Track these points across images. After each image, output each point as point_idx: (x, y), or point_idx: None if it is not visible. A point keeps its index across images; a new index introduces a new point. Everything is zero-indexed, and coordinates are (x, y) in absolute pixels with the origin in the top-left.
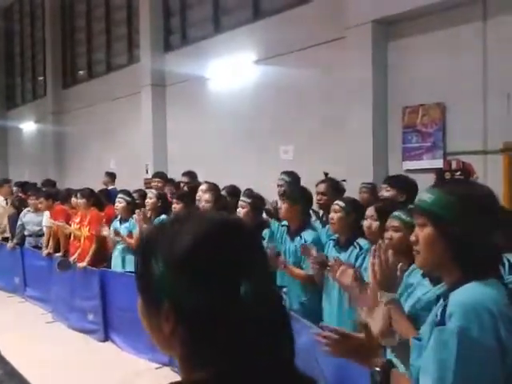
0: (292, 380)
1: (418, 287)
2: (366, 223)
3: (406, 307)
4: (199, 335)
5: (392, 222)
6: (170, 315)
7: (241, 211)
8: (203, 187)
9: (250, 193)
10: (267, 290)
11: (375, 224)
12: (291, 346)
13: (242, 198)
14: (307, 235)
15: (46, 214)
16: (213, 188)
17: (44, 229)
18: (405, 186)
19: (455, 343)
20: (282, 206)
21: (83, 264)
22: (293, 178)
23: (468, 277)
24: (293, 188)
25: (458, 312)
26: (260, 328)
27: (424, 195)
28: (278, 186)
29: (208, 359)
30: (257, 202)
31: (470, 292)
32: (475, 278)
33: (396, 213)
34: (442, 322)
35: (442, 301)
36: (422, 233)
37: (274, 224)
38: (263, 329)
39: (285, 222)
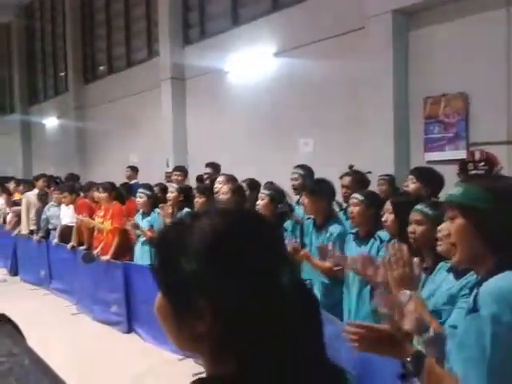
0: (324, 369)
1: (443, 283)
2: (384, 217)
3: (430, 305)
4: (237, 330)
5: (414, 216)
6: (205, 313)
7: (260, 203)
8: (220, 179)
9: (269, 185)
10: (300, 279)
11: (391, 217)
12: (322, 332)
13: (261, 190)
14: (333, 228)
15: (64, 208)
16: (230, 179)
17: (63, 222)
18: (431, 179)
19: (489, 330)
20: (305, 201)
21: (107, 257)
22: (307, 172)
23: (502, 266)
24: (312, 181)
25: (490, 299)
26: (297, 317)
27: (453, 189)
28: (292, 179)
29: (242, 353)
30: (276, 194)
31: (502, 280)
32: (509, 267)
33: (419, 206)
34: (474, 310)
35: (475, 290)
36: (454, 225)
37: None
38: (300, 317)
39: (310, 216)
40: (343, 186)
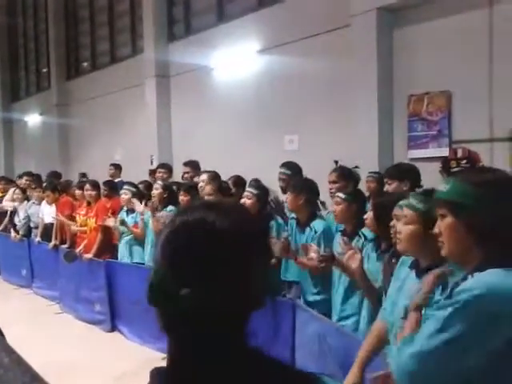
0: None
1: (407, 280)
2: (366, 215)
3: (401, 304)
4: None
5: (395, 211)
6: None
7: (246, 202)
8: (204, 177)
9: (256, 184)
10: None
11: (370, 215)
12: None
13: (248, 188)
14: (317, 225)
15: (45, 206)
16: (213, 178)
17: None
18: (404, 173)
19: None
20: (288, 198)
21: (89, 255)
22: (293, 170)
23: (489, 263)
24: (296, 179)
25: (479, 288)
26: None
27: (441, 186)
28: (280, 180)
29: None
30: (263, 193)
31: (494, 275)
32: (496, 264)
33: (401, 202)
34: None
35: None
36: (443, 223)
37: (278, 220)
38: None
39: (293, 215)
40: (330, 182)
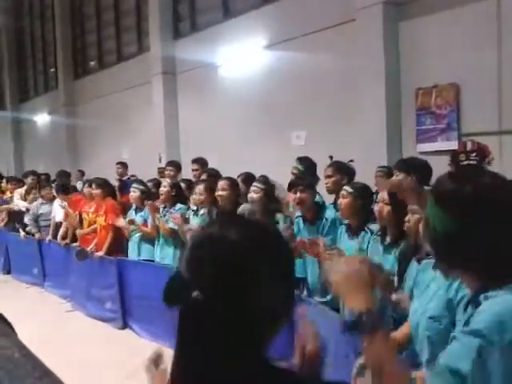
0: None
1: (432, 284)
2: (377, 207)
3: (430, 309)
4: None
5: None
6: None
7: (253, 196)
8: (223, 184)
9: (264, 179)
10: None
11: (387, 208)
12: None
13: (255, 183)
14: (329, 213)
15: (56, 205)
16: (232, 185)
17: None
18: (413, 167)
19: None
20: (302, 196)
21: (100, 253)
22: (307, 166)
23: (487, 286)
24: (308, 176)
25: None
26: None
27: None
28: (292, 174)
29: None
30: (270, 188)
31: (498, 305)
32: (498, 283)
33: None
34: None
35: (469, 308)
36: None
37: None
38: None
39: (299, 213)
40: (326, 177)
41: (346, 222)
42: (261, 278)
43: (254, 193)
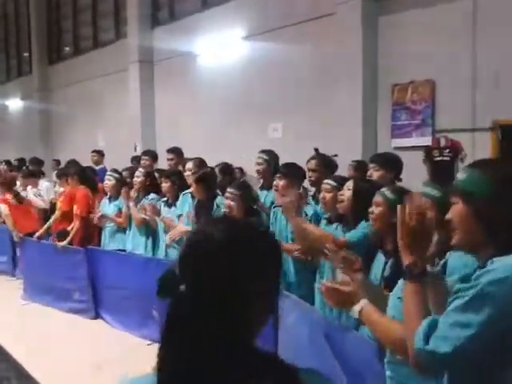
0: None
1: (376, 262)
2: (342, 192)
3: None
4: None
5: (376, 198)
6: None
7: (230, 204)
8: (190, 166)
9: (238, 183)
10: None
11: (348, 193)
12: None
13: (230, 189)
14: (308, 210)
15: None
16: (199, 165)
17: None
18: (392, 163)
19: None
20: (280, 183)
21: (63, 243)
22: (271, 157)
23: (501, 254)
24: (287, 164)
25: (501, 267)
26: None
27: (459, 174)
28: (257, 164)
29: None
30: (246, 192)
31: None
32: (508, 254)
33: (383, 189)
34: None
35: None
36: (454, 210)
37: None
38: None
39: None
40: (309, 170)
41: (327, 215)
42: (246, 272)
43: (230, 200)
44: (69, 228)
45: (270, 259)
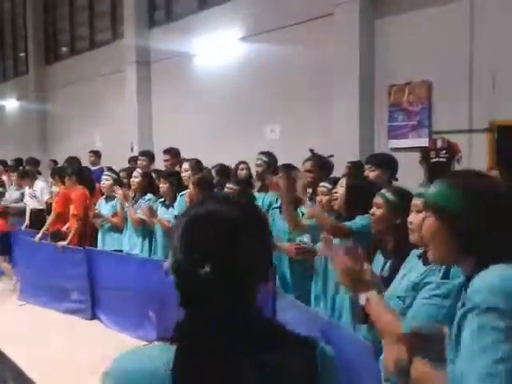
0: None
1: (413, 270)
2: (336, 190)
3: (399, 290)
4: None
5: (376, 199)
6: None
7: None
8: (186, 166)
9: (236, 179)
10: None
11: (341, 190)
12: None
13: (228, 185)
14: (303, 209)
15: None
16: (195, 167)
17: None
18: (387, 164)
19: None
20: (280, 183)
21: (63, 243)
22: (270, 159)
23: (483, 265)
24: (286, 166)
25: (484, 291)
26: None
27: (431, 187)
28: (256, 165)
29: None
30: (244, 187)
31: (490, 275)
32: (494, 262)
33: (383, 190)
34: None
35: (463, 292)
36: (425, 225)
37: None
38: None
39: (274, 201)
40: (305, 171)
41: None
42: (260, 247)
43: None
44: (63, 228)
45: (267, 231)
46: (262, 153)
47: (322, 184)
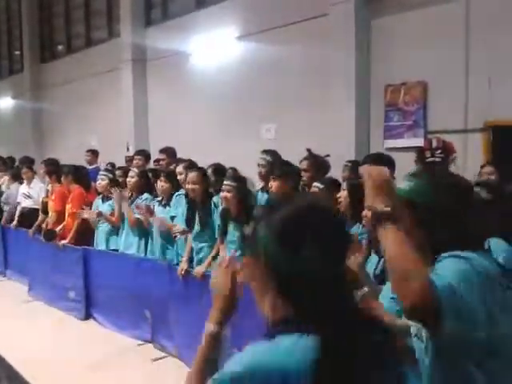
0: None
1: (369, 263)
2: (340, 194)
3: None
4: (279, 281)
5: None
6: (261, 263)
7: (226, 195)
8: (181, 169)
9: (233, 174)
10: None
11: (344, 194)
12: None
13: (226, 182)
14: None
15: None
16: (188, 167)
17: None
18: (385, 164)
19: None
20: (274, 184)
21: (64, 242)
22: (274, 158)
23: (436, 252)
24: (283, 165)
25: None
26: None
27: (403, 182)
28: (259, 165)
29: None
30: (242, 184)
31: (443, 270)
32: (448, 250)
33: None
34: None
35: None
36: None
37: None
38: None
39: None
40: (302, 170)
41: None
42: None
43: (227, 191)
44: (57, 228)
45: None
46: (266, 152)
47: (314, 184)
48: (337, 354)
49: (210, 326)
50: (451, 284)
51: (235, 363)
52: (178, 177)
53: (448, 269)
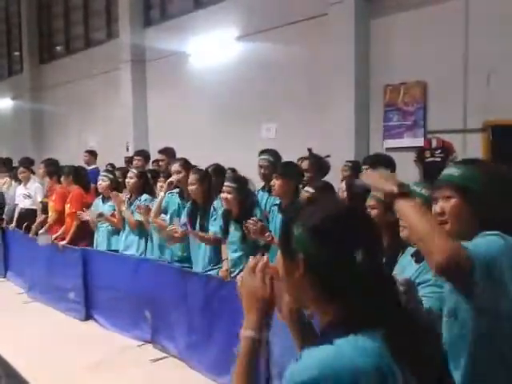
0: (402, 314)
1: (407, 267)
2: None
3: None
4: (322, 281)
5: (369, 202)
6: (301, 264)
7: (227, 196)
8: (176, 168)
9: (234, 176)
10: (378, 261)
11: (343, 195)
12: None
13: (226, 182)
14: None
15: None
16: (183, 165)
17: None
18: (385, 164)
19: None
20: (276, 183)
21: (63, 242)
22: (275, 158)
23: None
24: (285, 164)
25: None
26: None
27: (450, 170)
28: (260, 166)
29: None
30: (242, 185)
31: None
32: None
33: (373, 192)
34: None
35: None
36: (449, 204)
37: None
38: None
39: (277, 201)
40: (303, 170)
41: None
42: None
43: (227, 193)
44: (59, 232)
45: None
46: (266, 152)
47: (305, 189)
48: (406, 346)
49: (249, 332)
50: (485, 249)
51: (305, 369)
52: (174, 176)
53: (483, 239)
